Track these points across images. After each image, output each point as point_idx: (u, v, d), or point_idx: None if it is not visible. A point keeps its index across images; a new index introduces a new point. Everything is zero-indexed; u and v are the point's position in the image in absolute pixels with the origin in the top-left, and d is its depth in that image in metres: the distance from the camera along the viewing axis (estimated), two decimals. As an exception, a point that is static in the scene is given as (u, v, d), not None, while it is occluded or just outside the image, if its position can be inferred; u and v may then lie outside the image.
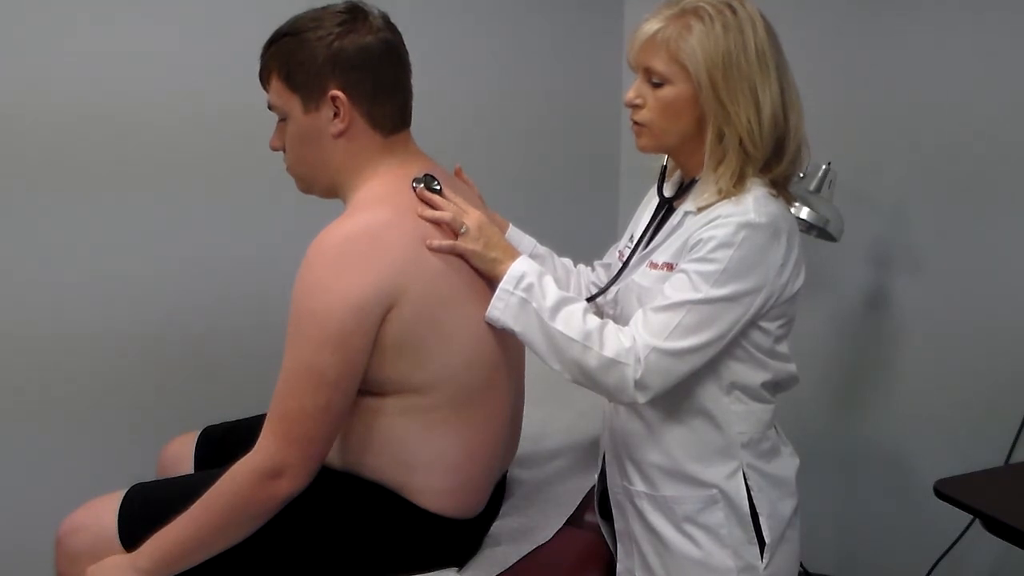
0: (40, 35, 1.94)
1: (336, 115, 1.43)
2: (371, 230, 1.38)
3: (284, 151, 1.51)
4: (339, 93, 1.42)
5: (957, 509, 1.65)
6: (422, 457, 1.46)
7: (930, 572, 2.23)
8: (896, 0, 2.20)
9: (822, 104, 2.25)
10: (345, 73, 1.42)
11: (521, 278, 1.43)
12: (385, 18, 1.47)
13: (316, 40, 1.41)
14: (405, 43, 1.49)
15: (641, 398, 1.41)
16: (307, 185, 1.53)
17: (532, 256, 1.71)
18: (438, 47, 2.38)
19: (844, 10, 2.30)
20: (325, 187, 1.51)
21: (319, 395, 1.35)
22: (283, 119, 1.48)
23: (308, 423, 1.36)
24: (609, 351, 1.39)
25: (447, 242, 1.42)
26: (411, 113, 1.51)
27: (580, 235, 2.05)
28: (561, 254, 1.80)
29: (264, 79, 1.48)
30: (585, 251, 1.84)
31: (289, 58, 1.43)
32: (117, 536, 1.47)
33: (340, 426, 1.40)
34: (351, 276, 1.35)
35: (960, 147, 2.14)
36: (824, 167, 2.13)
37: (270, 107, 1.48)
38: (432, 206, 1.45)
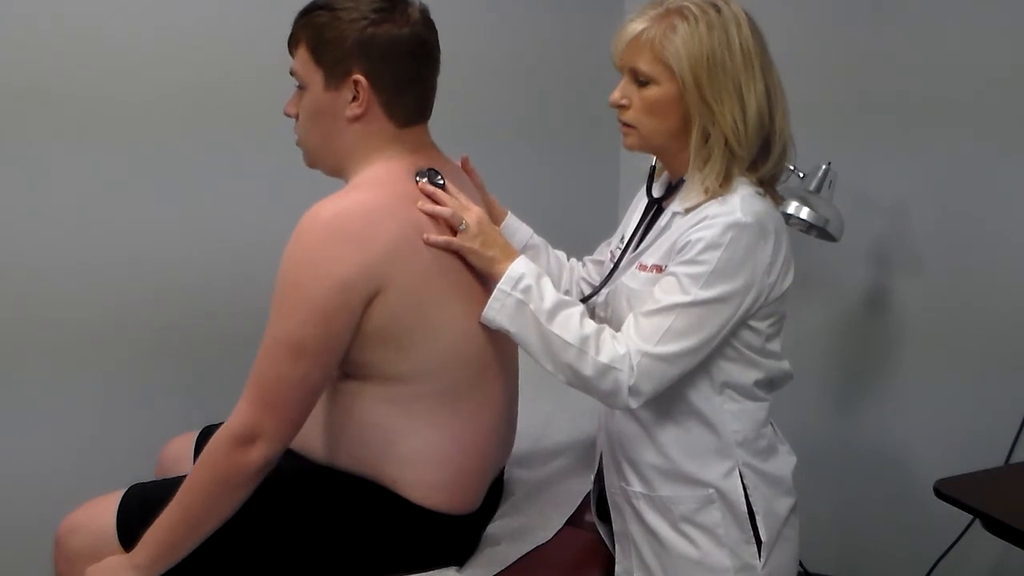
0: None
1: (355, 99, 1.43)
2: (366, 211, 1.38)
3: (296, 120, 1.51)
4: (362, 78, 1.42)
5: (957, 509, 1.65)
6: (410, 449, 1.46)
7: (930, 572, 2.23)
8: (897, -1, 2.21)
9: (822, 104, 2.27)
10: (371, 61, 1.42)
11: (519, 279, 1.43)
12: (424, 12, 1.47)
13: (350, 22, 1.41)
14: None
15: (633, 403, 1.41)
16: (313, 160, 1.52)
17: (527, 247, 1.72)
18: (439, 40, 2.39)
19: (845, 9, 2.29)
20: (330, 166, 1.51)
21: (297, 365, 1.35)
22: (301, 88, 1.48)
23: (284, 391, 1.36)
24: (604, 357, 1.39)
25: (444, 238, 1.42)
26: (431, 108, 1.51)
27: (579, 224, 2.06)
28: (558, 243, 1.80)
29: (292, 46, 1.47)
30: (585, 239, 1.84)
31: (320, 33, 1.43)
32: (116, 536, 1.48)
33: (316, 398, 1.40)
34: (340, 252, 1.35)
35: (960, 146, 2.14)
36: (824, 167, 2.13)
37: (292, 73, 1.48)
38: (434, 200, 1.44)
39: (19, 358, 2.03)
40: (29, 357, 2.04)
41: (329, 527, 1.48)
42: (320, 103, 1.45)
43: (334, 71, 1.43)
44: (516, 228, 1.73)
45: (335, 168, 1.50)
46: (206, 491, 1.38)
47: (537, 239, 1.76)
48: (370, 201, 1.40)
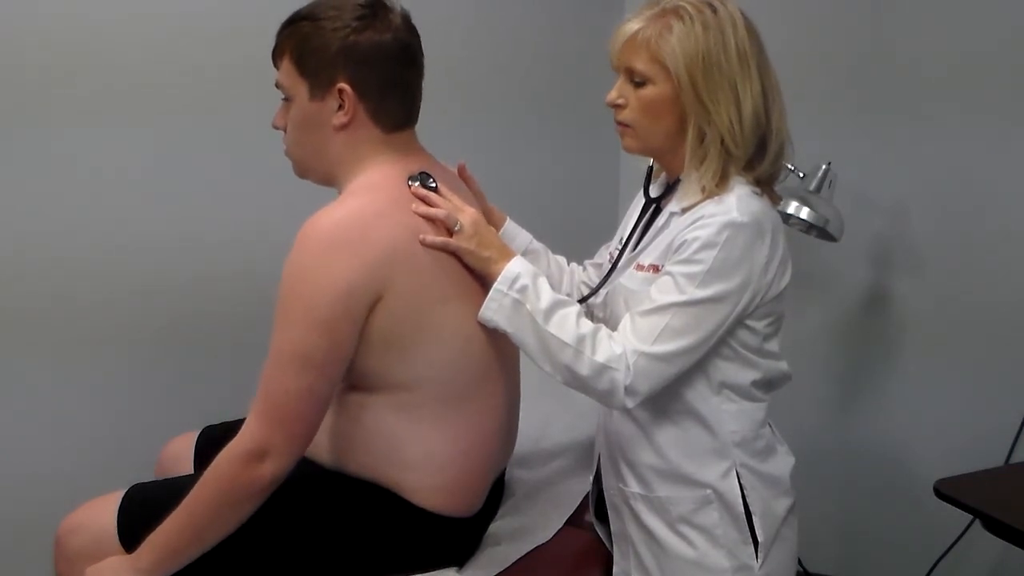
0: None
1: (340, 107, 1.43)
2: (363, 218, 1.38)
3: (284, 132, 1.51)
4: (346, 87, 1.42)
5: (957, 509, 1.65)
6: (414, 454, 1.46)
7: (930, 572, 2.23)
8: (897, -2, 2.21)
9: (822, 104, 2.27)
10: (355, 68, 1.42)
11: (515, 279, 1.43)
12: (406, 18, 1.47)
13: (332, 30, 1.41)
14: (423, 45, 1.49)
15: (630, 403, 1.41)
16: (303, 170, 1.53)
17: (527, 252, 1.72)
18: (435, 41, 2.39)
19: (844, 8, 2.29)
20: (320, 175, 1.51)
21: (303, 378, 1.35)
22: (288, 99, 1.48)
23: (292, 405, 1.36)
24: (601, 356, 1.39)
25: (440, 238, 1.42)
26: (418, 113, 1.51)
27: (579, 229, 2.06)
28: (557, 246, 1.79)
29: (276, 58, 1.48)
30: (585, 241, 1.84)
31: (303, 43, 1.43)
32: (116, 536, 1.48)
33: (324, 411, 1.41)
34: (341, 260, 1.35)
35: (961, 146, 2.13)
36: (824, 167, 2.13)
37: (277, 85, 1.48)
38: (427, 203, 1.45)
39: (19, 358, 2.03)
40: (29, 357, 2.04)
41: (333, 529, 1.48)
42: (306, 114, 1.45)
43: (319, 81, 1.43)
44: (515, 234, 1.73)
45: (326, 177, 1.50)
46: (213, 504, 1.39)
47: (537, 244, 1.76)
48: (368, 206, 1.40)
